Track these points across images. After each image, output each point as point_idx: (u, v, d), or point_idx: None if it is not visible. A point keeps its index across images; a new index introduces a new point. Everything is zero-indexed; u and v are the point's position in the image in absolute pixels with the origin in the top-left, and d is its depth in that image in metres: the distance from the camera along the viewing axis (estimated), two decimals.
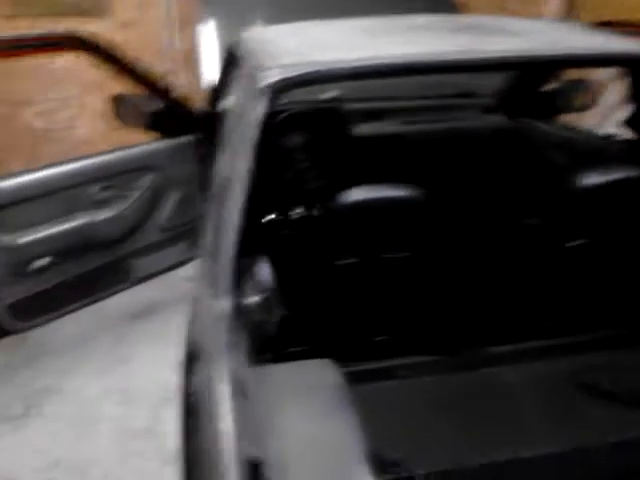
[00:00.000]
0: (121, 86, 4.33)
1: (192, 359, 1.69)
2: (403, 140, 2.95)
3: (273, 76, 1.68)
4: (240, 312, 1.54)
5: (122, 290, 2.93)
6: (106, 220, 2.74)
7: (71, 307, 2.79)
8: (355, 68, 1.68)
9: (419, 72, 1.89)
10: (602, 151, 2.70)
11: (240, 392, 1.32)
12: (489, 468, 1.66)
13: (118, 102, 2.98)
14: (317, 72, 1.68)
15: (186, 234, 3.11)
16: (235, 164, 1.66)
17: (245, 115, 1.72)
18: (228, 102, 2.88)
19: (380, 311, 2.18)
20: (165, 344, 3.03)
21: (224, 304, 1.52)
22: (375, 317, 2.19)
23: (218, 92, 2.87)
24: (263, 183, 1.78)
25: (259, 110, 1.66)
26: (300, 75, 1.69)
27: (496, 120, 3.08)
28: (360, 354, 2.16)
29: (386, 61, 1.67)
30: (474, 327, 2.23)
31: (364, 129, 2.84)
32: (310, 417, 1.39)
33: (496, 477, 1.70)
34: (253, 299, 1.64)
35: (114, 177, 2.75)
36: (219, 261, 1.59)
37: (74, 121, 4.43)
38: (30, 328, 2.70)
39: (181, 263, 3.17)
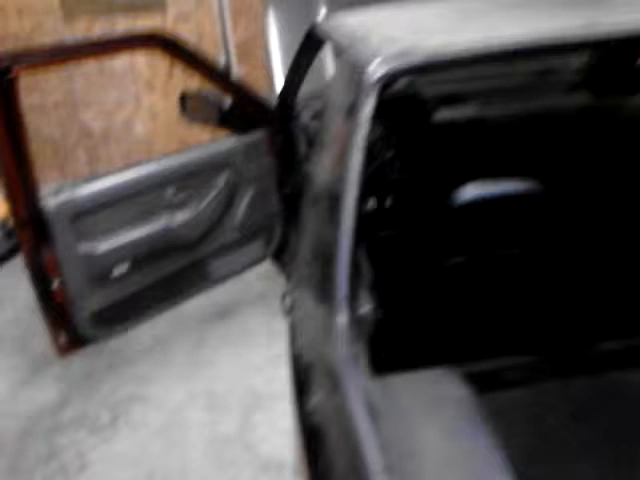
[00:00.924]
0: (176, 84, 4.29)
1: (305, 375, 1.59)
2: (486, 125, 2.81)
3: (382, 68, 1.56)
4: (354, 322, 1.45)
5: (201, 292, 2.86)
6: (184, 222, 2.66)
7: (151, 312, 2.73)
8: (473, 52, 1.54)
9: (545, 53, 1.73)
10: None
11: (372, 412, 1.23)
12: None
13: (186, 99, 2.90)
14: (430, 60, 1.56)
15: (261, 232, 3.04)
16: (345, 165, 1.54)
17: (352, 111, 1.60)
18: (317, 95, 2.77)
19: (479, 310, 2.06)
20: (247, 346, 2.97)
21: (342, 317, 1.43)
22: (472, 315, 2.07)
23: (291, 83, 2.76)
24: None
25: (369, 106, 1.54)
26: (411, 65, 1.56)
27: (583, 98, 2.91)
28: (459, 354, 2.04)
29: (508, 42, 1.53)
30: (576, 324, 2.08)
31: (443, 115, 2.71)
32: (445, 435, 1.29)
33: None
34: (365, 308, 1.54)
35: (189, 177, 2.67)
36: (333, 271, 1.48)
37: (131, 121, 4.38)
38: (111, 336, 2.65)
39: (257, 261, 3.09)
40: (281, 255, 3.23)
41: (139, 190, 2.55)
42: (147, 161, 2.64)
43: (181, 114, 2.92)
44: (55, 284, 2.44)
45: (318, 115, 2.99)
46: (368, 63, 1.58)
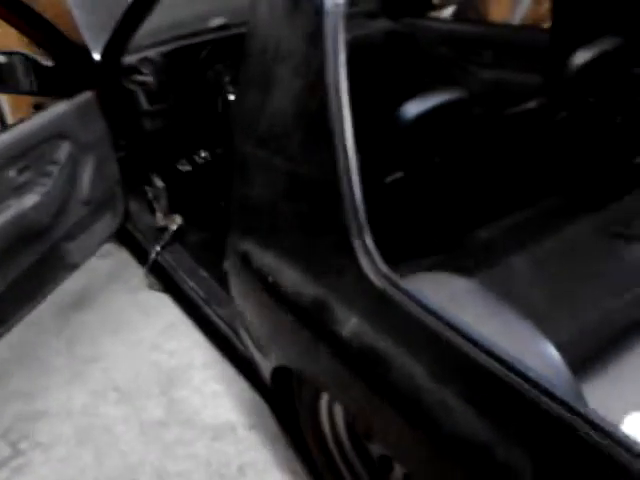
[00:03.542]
0: None
1: (318, 311, 1.54)
2: None
3: None
4: None
5: (63, 280, 2.51)
6: (34, 205, 2.29)
7: (21, 313, 2.33)
8: None
9: None
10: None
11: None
12: None
13: None
14: None
15: (107, 204, 2.75)
16: (330, 91, 1.49)
17: (315, 40, 1.54)
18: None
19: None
20: (126, 328, 2.71)
21: (369, 239, 1.42)
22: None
23: (123, 31, 2.46)
24: None
25: (339, 29, 1.52)
26: None
27: (385, 24, 3.15)
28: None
29: None
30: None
31: None
32: (479, 319, 1.40)
33: None
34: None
35: (28, 154, 2.27)
36: (346, 200, 1.45)
37: None
38: None
39: (109, 237, 2.79)
40: (124, 226, 2.95)
41: None
42: None
43: None
44: None
45: (159, 68, 2.75)
46: None
